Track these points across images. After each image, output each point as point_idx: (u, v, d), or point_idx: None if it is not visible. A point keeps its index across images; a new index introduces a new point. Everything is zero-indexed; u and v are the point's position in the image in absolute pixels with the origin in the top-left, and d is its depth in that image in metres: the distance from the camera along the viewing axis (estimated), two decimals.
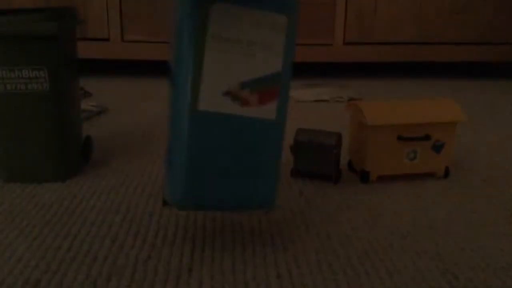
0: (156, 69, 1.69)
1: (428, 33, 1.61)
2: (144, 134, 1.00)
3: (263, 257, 0.55)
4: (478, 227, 0.63)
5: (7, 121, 0.71)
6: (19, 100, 0.69)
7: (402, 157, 0.75)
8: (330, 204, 0.69)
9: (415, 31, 1.61)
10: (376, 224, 0.63)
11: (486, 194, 0.73)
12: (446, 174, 0.78)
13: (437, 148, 0.76)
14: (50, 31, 0.66)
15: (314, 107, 1.26)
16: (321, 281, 0.51)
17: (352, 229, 0.62)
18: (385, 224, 0.63)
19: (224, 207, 0.52)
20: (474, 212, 0.67)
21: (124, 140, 0.96)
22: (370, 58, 1.62)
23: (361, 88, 1.51)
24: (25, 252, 0.55)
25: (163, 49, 1.56)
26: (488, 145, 0.96)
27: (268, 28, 0.51)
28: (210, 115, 0.50)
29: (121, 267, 0.53)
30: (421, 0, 1.58)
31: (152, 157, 0.86)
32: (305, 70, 1.75)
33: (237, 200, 0.52)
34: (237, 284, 0.50)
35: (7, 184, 0.74)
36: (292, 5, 0.52)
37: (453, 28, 1.61)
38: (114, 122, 1.09)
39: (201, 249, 0.57)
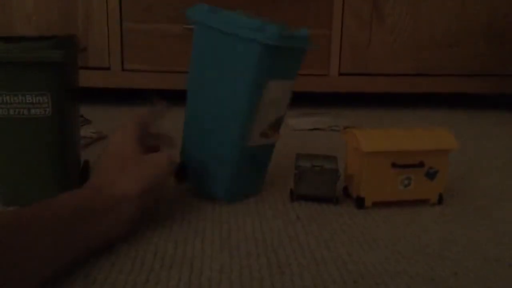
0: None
1: (423, 65, 1.65)
2: None
3: (261, 280, 0.56)
4: (470, 252, 0.64)
5: (8, 145, 0.72)
6: (21, 124, 0.71)
7: (397, 183, 0.77)
8: (326, 229, 0.70)
9: (410, 63, 1.65)
10: (371, 249, 0.64)
11: (478, 220, 0.75)
12: (440, 200, 0.80)
13: (431, 175, 0.78)
14: (58, 59, 0.68)
15: (310, 135, 1.28)
16: None
17: (348, 253, 0.63)
18: (380, 249, 0.64)
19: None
20: (466, 237, 0.68)
21: None
22: (365, 89, 1.65)
23: (356, 118, 1.53)
24: None
25: (162, 78, 1.58)
26: (480, 174, 0.98)
27: None
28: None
29: None
30: (414, 34, 1.62)
31: None
32: (302, 100, 1.78)
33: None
34: None
35: (7, 208, 0.75)
36: None
37: (447, 60, 1.65)
38: None
39: (199, 273, 0.57)
